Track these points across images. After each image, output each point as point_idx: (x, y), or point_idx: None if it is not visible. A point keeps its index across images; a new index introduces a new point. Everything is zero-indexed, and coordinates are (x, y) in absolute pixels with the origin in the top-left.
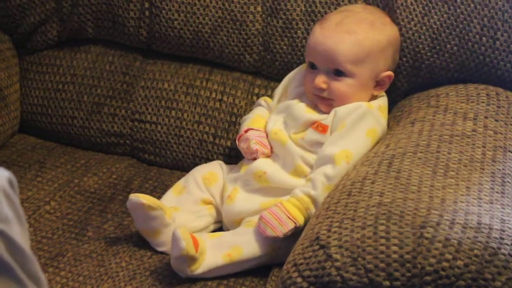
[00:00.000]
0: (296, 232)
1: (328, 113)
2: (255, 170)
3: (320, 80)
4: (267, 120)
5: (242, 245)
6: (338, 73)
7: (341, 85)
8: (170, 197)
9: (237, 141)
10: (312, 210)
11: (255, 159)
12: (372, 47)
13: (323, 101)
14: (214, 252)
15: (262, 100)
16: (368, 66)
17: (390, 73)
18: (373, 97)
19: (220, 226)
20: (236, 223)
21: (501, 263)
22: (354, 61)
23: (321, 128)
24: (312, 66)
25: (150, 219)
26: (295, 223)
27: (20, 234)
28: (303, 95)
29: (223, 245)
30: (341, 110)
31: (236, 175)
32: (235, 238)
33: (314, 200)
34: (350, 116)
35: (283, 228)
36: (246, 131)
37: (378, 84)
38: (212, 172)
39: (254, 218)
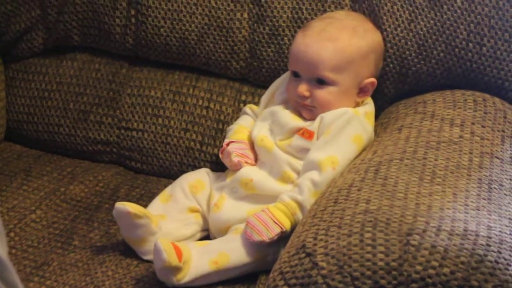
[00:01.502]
0: (284, 239)
1: (311, 120)
2: (242, 178)
3: (303, 89)
4: (253, 127)
5: (229, 251)
6: (321, 81)
7: (324, 93)
8: (157, 205)
9: (220, 155)
10: (299, 215)
11: None
12: (354, 54)
13: (306, 109)
14: (201, 259)
15: (248, 108)
16: (351, 73)
17: (373, 80)
18: (357, 104)
19: (207, 234)
20: (223, 231)
21: (488, 270)
22: (336, 69)
23: (307, 135)
24: (295, 74)
25: (136, 228)
26: (281, 228)
27: None
28: (288, 102)
29: (209, 252)
30: (327, 116)
31: (223, 183)
32: (222, 245)
33: (300, 205)
34: (336, 122)
35: (269, 232)
36: (227, 145)
37: (361, 91)
38: (199, 180)
39: (241, 225)
